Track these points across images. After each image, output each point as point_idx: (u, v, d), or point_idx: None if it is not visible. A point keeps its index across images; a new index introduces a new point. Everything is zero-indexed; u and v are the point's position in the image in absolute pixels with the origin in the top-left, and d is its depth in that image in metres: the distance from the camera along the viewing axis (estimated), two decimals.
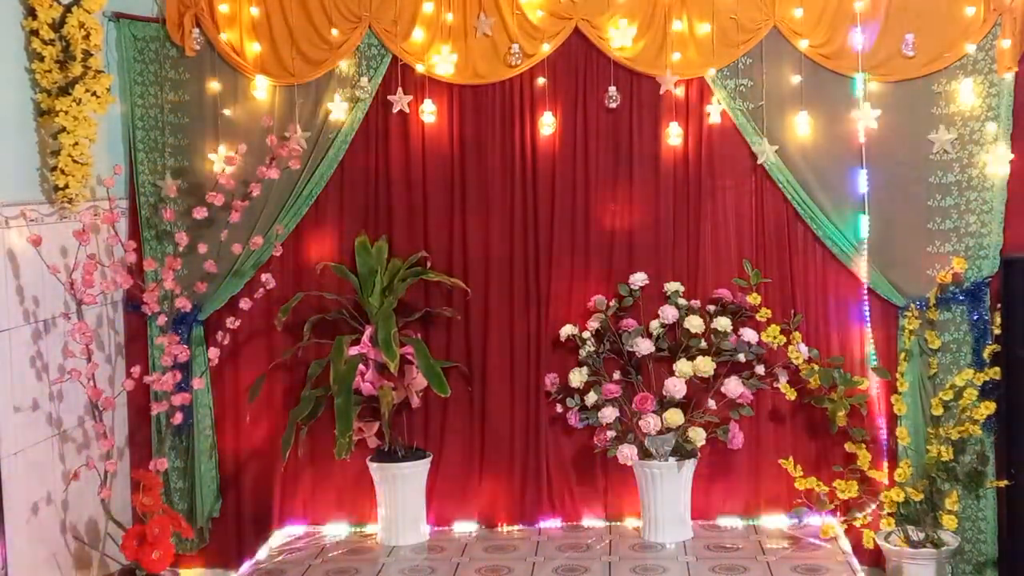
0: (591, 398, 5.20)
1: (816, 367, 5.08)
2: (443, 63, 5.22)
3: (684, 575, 4.76)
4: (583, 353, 5.27)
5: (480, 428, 5.41)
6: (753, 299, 5.15)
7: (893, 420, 5.10)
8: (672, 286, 5.26)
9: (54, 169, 4.58)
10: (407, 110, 5.27)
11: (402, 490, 5.23)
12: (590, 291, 5.33)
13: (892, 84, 5.09)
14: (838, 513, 5.13)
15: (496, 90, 5.30)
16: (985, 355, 4.99)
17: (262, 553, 5.21)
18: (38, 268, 4.46)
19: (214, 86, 5.28)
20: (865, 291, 5.19)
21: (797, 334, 5.12)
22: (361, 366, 5.14)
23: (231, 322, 5.07)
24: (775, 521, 5.31)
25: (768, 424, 5.31)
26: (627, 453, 5.08)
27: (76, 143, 4.58)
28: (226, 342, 5.09)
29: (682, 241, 5.33)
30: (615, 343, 5.27)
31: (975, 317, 5.05)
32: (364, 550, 5.18)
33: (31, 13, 4.44)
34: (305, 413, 5.06)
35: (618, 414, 5.16)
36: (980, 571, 5.11)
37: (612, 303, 5.28)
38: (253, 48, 5.26)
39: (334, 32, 5.21)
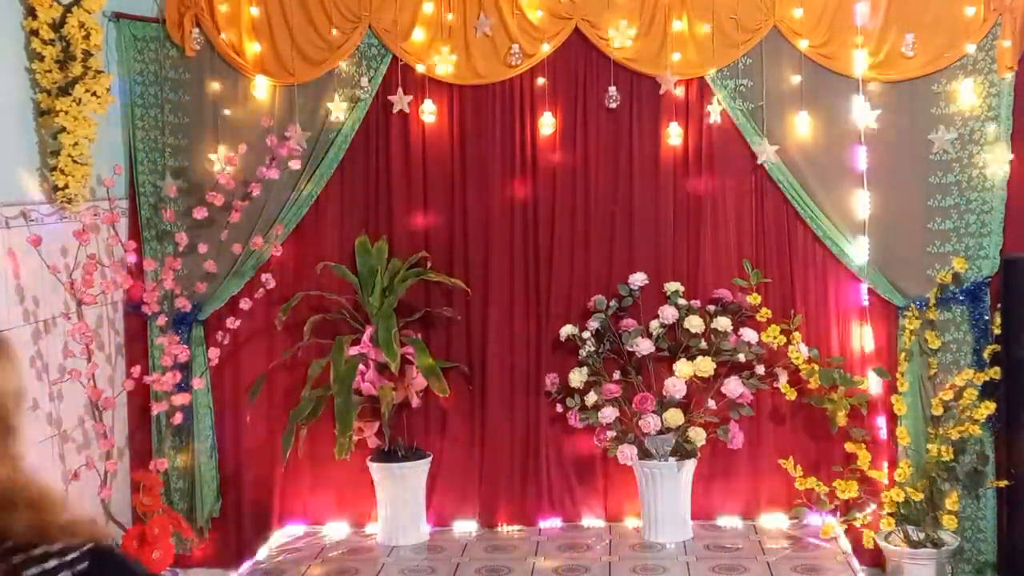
0: (591, 398, 5.20)
1: (816, 367, 5.08)
2: (443, 63, 5.22)
3: (684, 575, 4.76)
4: (583, 353, 5.27)
5: (480, 428, 5.41)
6: (753, 299, 5.15)
7: (893, 420, 5.09)
8: (672, 286, 5.26)
9: (54, 169, 4.57)
10: (407, 110, 5.27)
11: (402, 490, 5.23)
12: (590, 291, 5.33)
13: (892, 84, 5.09)
14: (838, 513, 5.12)
15: (496, 90, 5.29)
16: (985, 355, 4.99)
17: (262, 553, 5.20)
18: (38, 268, 4.46)
19: (214, 86, 5.28)
20: (865, 291, 5.19)
21: (797, 334, 5.12)
22: (361, 366, 5.14)
23: (231, 322, 5.07)
24: (775, 521, 5.31)
25: (768, 424, 5.31)
26: (627, 453, 5.08)
27: (76, 143, 4.57)
28: (226, 342, 5.09)
29: (682, 241, 5.33)
30: (615, 343, 5.27)
31: (975, 317, 5.05)
32: (364, 550, 5.18)
33: (31, 13, 4.44)
34: (305, 413, 5.06)
35: (618, 414, 5.16)
36: (980, 571, 5.11)
37: (612, 303, 5.28)
38: (253, 48, 5.26)
39: (334, 32, 5.21)
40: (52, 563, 1.33)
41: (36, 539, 1.34)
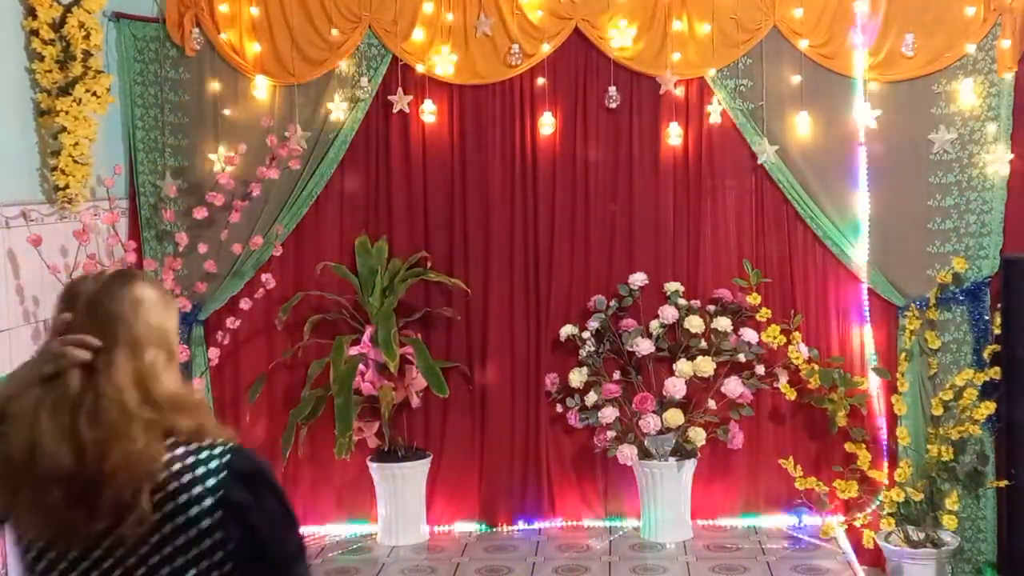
0: (591, 398, 5.20)
1: (816, 367, 5.08)
2: (443, 63, 5.22)
3: (684, 575, 4.77)
4: (583, 353, 5.27)
5: (480, 428, 5.41)
6: (753, 299, 5.15)
7: (893, 420, 5.09)
8: (672, 286, 5.26)
9: (54, 169, 4.57)
10: (407, 110, 5.27)
11: (402, 490, 5.22)
12: (590, 291, 5.33)
13: (892, 84, 5.09)
14: (838, 513, 5.12)
15: (496, 90, 5.29)
16: (985, 355, 4.99)
17: None
18: (38, 268, 4.46)
19: (214, 86, 5.27)
20: (865, 291, 5.19)
21: (797, 334, 5.12)
22: (361, 366, 5.14)
23: (231, 322, 5.07)
24: (775, 521, 5.31)
25: (768, 424, 5.31)
26: (627, 453, 5.08)
27: (76, 143, 4.57)
28: (226, 342, 5.09)
29: (682, 241, 5.33)
30: (615, 343, 5.27)
31: (975, 317, 5.05)
32: (364, 550, 5.18)
33: (31, 13, 4.44)
34: (305, 413, 5.06)
35: (618, 414, 5.16)
36: (980, 571, 5.11)
37: (612, 303, 5.28)
38: (253, 48, 5.26)
39: (334, 32, 5.21)
40: (204, 454, 1.79)
41: (195, 437, 1.81)
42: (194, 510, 1.75)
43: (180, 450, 1.78)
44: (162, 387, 1.82)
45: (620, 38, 5.15)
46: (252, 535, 1.81)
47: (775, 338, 5.07)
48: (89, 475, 1.72)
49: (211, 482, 1.77)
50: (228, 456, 1.81)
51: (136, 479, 1.72)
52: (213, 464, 1.79)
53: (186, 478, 1.76)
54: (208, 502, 1.76)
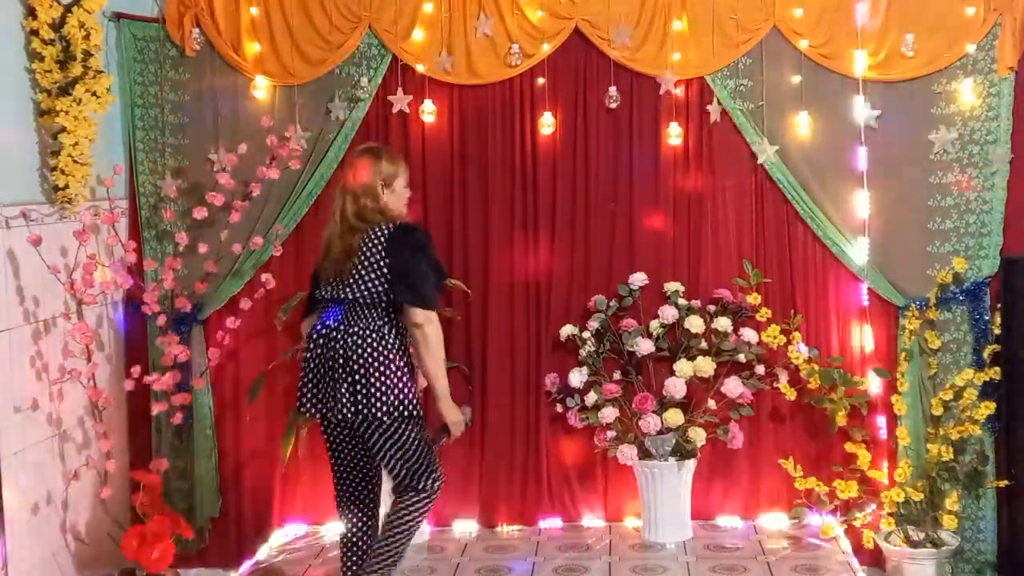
0: (591, 398, 5.20)
1: (816, 367, 5.08)
2: (443, 63, 5.22)
3: (684, 575, 4.77)
4: (583, 353, 5.27)
5: (480, 428, 5.41)
6: (753, 299, 5.16)
7: (893, 420, 5.10)
8: (672, 286, 5.26)
9: (54, 169, 4.58)
10: (407, 110, 5.27)
11: None
12: (590, 291, 5.33)
13: (892, 84, 5.09)
14: (838, 513, 5.13)
15: (496, 90, 5.30)
16: (985, 355, 4.99)
17: (262, 553, 5.21)
18: (38, 268, 4.46)
19: (214, 86, 5.28)
20: (865, 291, 5.19)
21: (797, 334, 5.12)
22: None
23: (231, 322, 5.07)
24: (775, 521, 5.32)
25: (768, 424, 5.31)
26: (627, 453, 5.09)
27: (76, 143, 4.58)
28: (226, 342, 5.09)
29: (682, 241, 5.33)
30: (615, 343, 5.27)
31: (975, 317, 5.05)
32: None
33: (31, 13, 4.44)
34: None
35: (618, 414, 5.16)
36: (980, 571, 5.11)
37: (612, 303, 5.29)
38: (253, 48, 5.26)
39: (334, 32, 5.21)
40: (387, 227, 3.98)
41: (388, 223, 4.03)
42: (376, 248, 3.92)
43: (378, 231, 3.94)
44: (371, 208, 4.00)
45: (620, 38, 5.15)
46: (400, 261, 3.89)
47: (775, 338, 5.07)
48: (344, 249, 4.00)
49: (383, 236, 3.92)
50: (393, 226, 3.94)
51: (353, 249, 3.96)
52: (387, 228, 3.94)
53: (374, 234, 3.94)
54: (382, 246, 3.90)
